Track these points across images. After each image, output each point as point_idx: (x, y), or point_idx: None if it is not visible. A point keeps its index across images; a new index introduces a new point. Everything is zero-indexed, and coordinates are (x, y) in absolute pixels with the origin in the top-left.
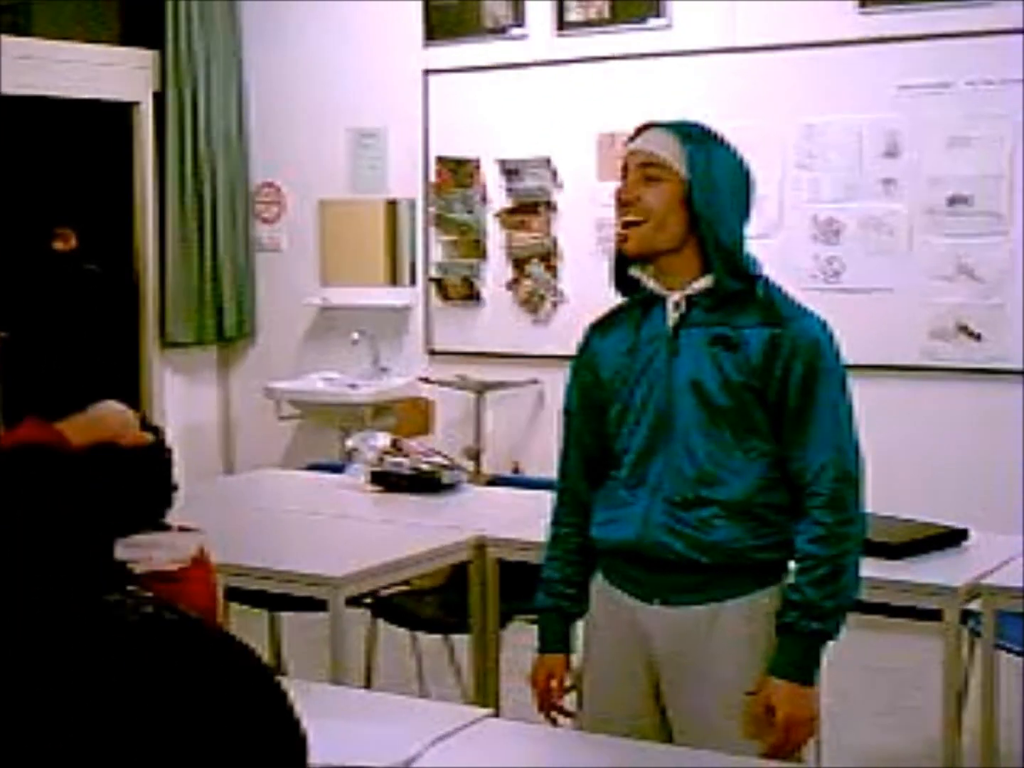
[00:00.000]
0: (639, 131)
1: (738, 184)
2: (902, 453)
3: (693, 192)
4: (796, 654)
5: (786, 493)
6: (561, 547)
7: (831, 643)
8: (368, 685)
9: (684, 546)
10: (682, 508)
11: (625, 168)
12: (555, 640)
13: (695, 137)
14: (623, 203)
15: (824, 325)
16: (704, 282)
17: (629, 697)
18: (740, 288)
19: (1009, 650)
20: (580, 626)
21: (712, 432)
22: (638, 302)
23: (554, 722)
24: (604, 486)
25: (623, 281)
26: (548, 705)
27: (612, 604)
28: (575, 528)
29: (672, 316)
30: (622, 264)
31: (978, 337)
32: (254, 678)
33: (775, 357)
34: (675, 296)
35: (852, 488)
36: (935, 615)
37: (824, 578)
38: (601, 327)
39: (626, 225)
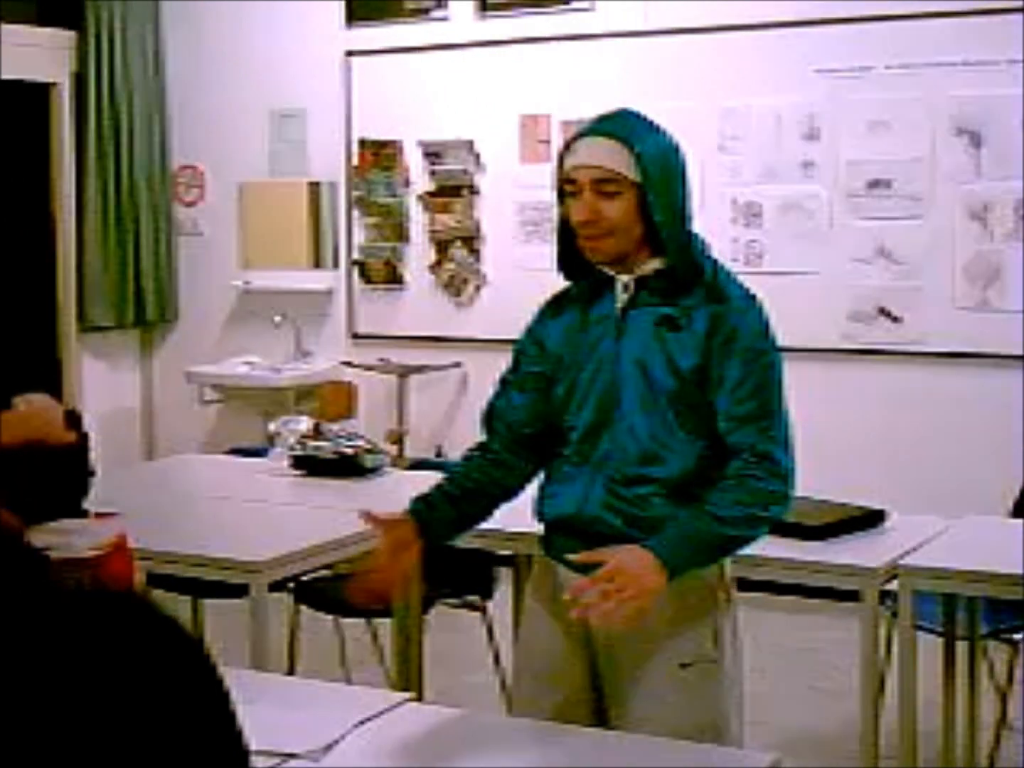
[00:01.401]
0: (576, 138)
1: (681, 171)
2: (822, 435)
3: (649, 197)
4: (671, 536)
5: (723, 470)
6: (462, 465)
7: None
8: (291, 671)
9: (622, 522)
10: (622, 485)
11: (570, 181)
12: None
13: (639, 138)
14: (584, 223)
15: (763, 308)
16: (653, 264)
17: (564, 669)
18: (690, 271)
19: (927, 630)
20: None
21: (655, 412)
22: (589, 284)
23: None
24: (551, 462)
25: (569, 264)
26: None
27: (552, 577)
28: (490, 451)
29: (621, 298)
30: (567, 247)
31: (898, 319)
32: (182, 645)
33: (716, 332)
34: (624, 278)
35: (786, 453)
36: (854, 596)
37: (732, 495)
38: (555, 305)
39: (590, 237)
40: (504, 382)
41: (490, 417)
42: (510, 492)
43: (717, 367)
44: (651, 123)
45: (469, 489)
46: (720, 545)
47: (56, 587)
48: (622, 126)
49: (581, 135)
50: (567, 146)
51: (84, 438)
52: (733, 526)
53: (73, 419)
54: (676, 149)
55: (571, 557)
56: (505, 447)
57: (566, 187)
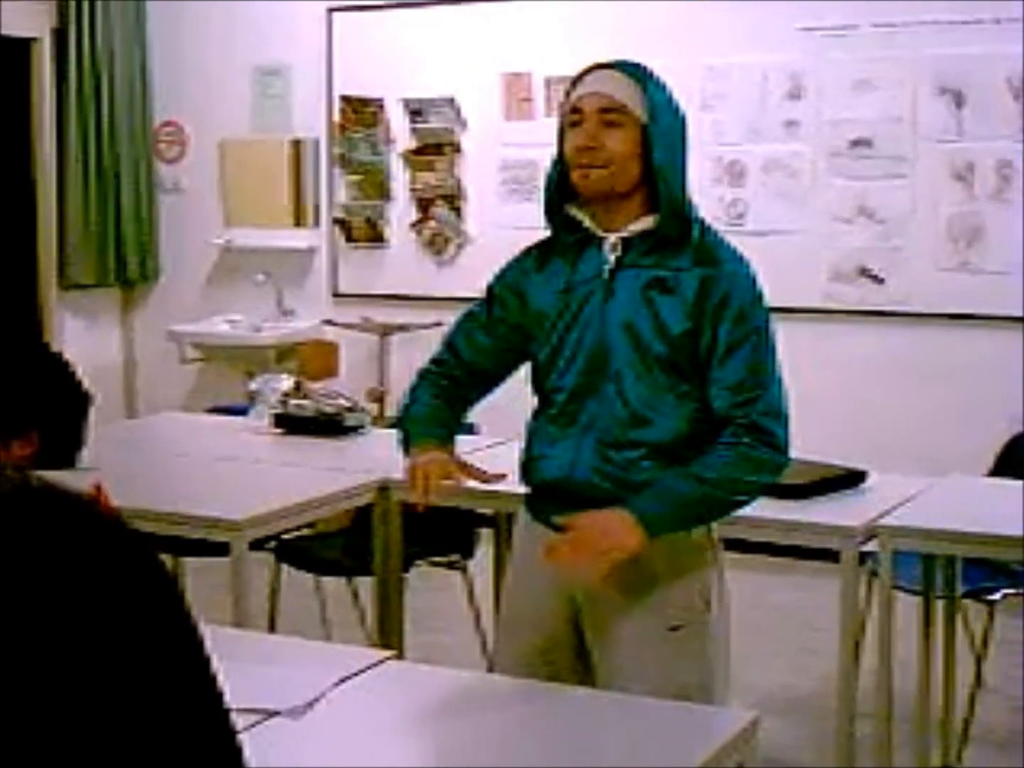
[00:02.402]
0: (585, 72)
1: (684, 127)
2: (803, 395)
3: (652, 138)
4: (653, 496)
5: (713, 436)
6: (429, 384)
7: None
8: (272, 629)
9: (611, 486)
10: (612, 448)
11: (576, 111)
12: (426, 434)
13: (651, 79)
14: (583, 148)
15: (754, 271)
16: (642, 224)
17: (548, 631)
18: (679, 232)
19: (906, 590)
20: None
21: (644, 375)
22: (574, 241)
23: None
24: (534, 422)
25: (555, 219)
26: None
27: (538, 540)
28: (447, 378)
29: (609, 258)
30: (554, 198)
31: (879, 280)
32: (134, 546)
33: (707, 296)
34: (612, 238)
35: (779, 423)
36: (833, 556)
37: (717, 460)
38: (537, 255)
39: (586, 166)
40: (471, 318)
41: (448, 350)
42: (460, 416)
43: (708, 332)
44: (660, 77)
45: (447, 402)
46: (703, 507)
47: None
48: (635, 66)
49: (592, 68)
50: (575, 80)
51: (84, 393)
52: (717, 487)
53: (69, 371)
54: (680, 107)
55: (557, 520)
56: (455, 378)
57: (570, 117)
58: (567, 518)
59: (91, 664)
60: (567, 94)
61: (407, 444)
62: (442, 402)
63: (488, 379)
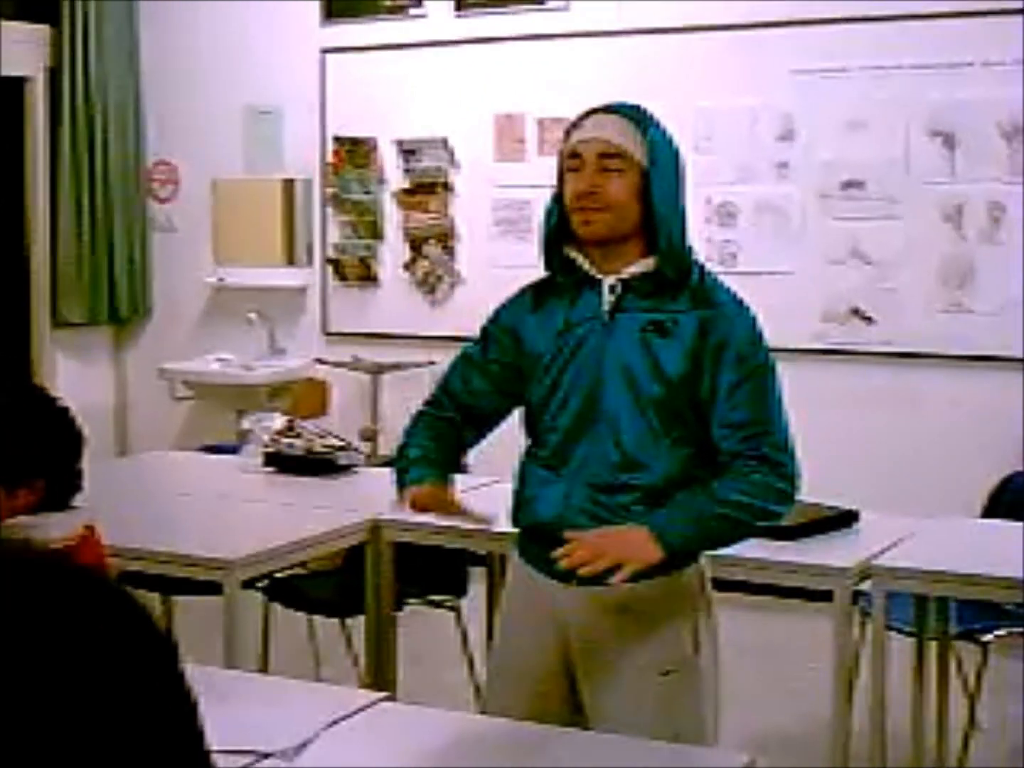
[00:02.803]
0: (585, 116)
1: (682, 170)
2: (795, 435)
3: (652, 182)
4: (669, 513)
5: (707, 479)
6: (424, 426)
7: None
8: (264, 669)
9: None
10: (603, 492)
11: (576, 156)
12: (421, 476)
13: (651, 123)
14: (583, 194)
15: (754, 313)
16: (641, 266)
17: (539, 675)
18: (678, 275)
19: (899, 630)
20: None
21: (639, 418)
22: (571, 283)
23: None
24: (526, 463)
25: (552, 260)
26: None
27: (529, 582)
28: (443, 420)
29: (607, 300)
30: (551, 243)
31: (870, 320)
32: (125, 609)
33: (706, 339)
34: (611, 280)
35: (787, 456)
36: (826, 596)
37: (733, 481)
38: (533, 297)
39: (587, 209)
40: (466, 359)
41: (443, 391)
42: (459, 458)
43: (709, 375)
44: (656, 118)
45: (444, 443)
46: (719, 527)
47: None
48: (634, 109)
49: (591, 112)
50: (575, 123)
51: (79, 434)
52: (735, 509)
53: (63, 410)
54: (677, 148)
55: (556, 553)
56: (450, 419)
57: (568, 163)
58: (577, 532)
59: (88, 739)
60: (566, 136)
61: (402, 484)
62: (438, 443)
63: (484, 421)
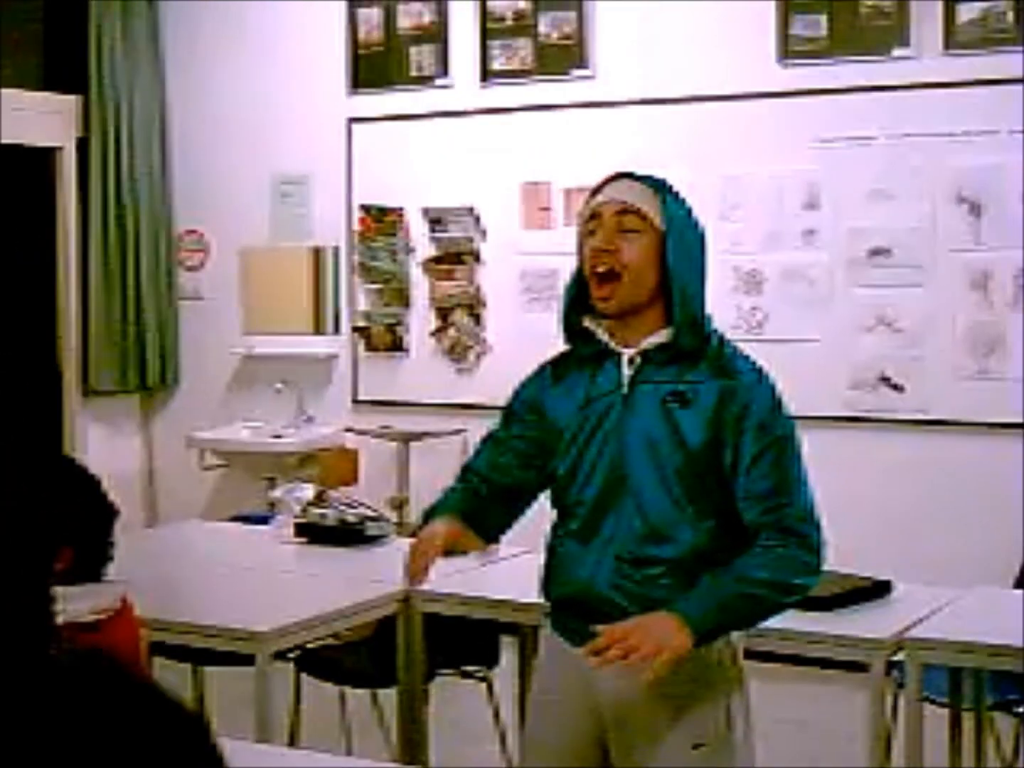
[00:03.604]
0: (606, 182)
1: (701, 239)
2: (825, 504)
3: (668, 246)
4: (696, 597)
5: (733, 551)
6: (450, 492)
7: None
8: (293, 741)
9: (629, 603)
10: (630, 565)
11: (594, 217)
12: (444, 510)
13: (668, 191)
14: (599, 252)
15: (773, 380)
16: (659, 337)
17: (573, 745)
18: (696, 345)
19: (934, 702)
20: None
21: (662, 490)
22: (591, 355)
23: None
24: (554, 536)
25: (572, 331)
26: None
27: (561, 654)
28: (481, 480)
29: (627, 372)
30: (571, 314)
31: (899, 388)
32: (184, 723)
33: (726, 408)
34: (630, 352)
35: (812, 526)
36: (860, 667)
37: (757, 559)
38: (553, 371)
39: (603, 279)
40: (490, 439)
41: (469, 470)
42: (490, 530)
43: (731, 445)
44: (678, 191)
45: (469, 503)
46: (747, 607)
47: (58, 663)
48: (654, 178)
49: (611, 179)
50: (595, 189)
51: (111, 507)
52: (760, 587)
53: (95, 484)
54: (698, 221)
55: (584, 650)
56: (479, 494)
57: (587, 225)
58: (609, 627)
59: None
60: (587, 202)
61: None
62: (463, 501)
63: (512, 496)
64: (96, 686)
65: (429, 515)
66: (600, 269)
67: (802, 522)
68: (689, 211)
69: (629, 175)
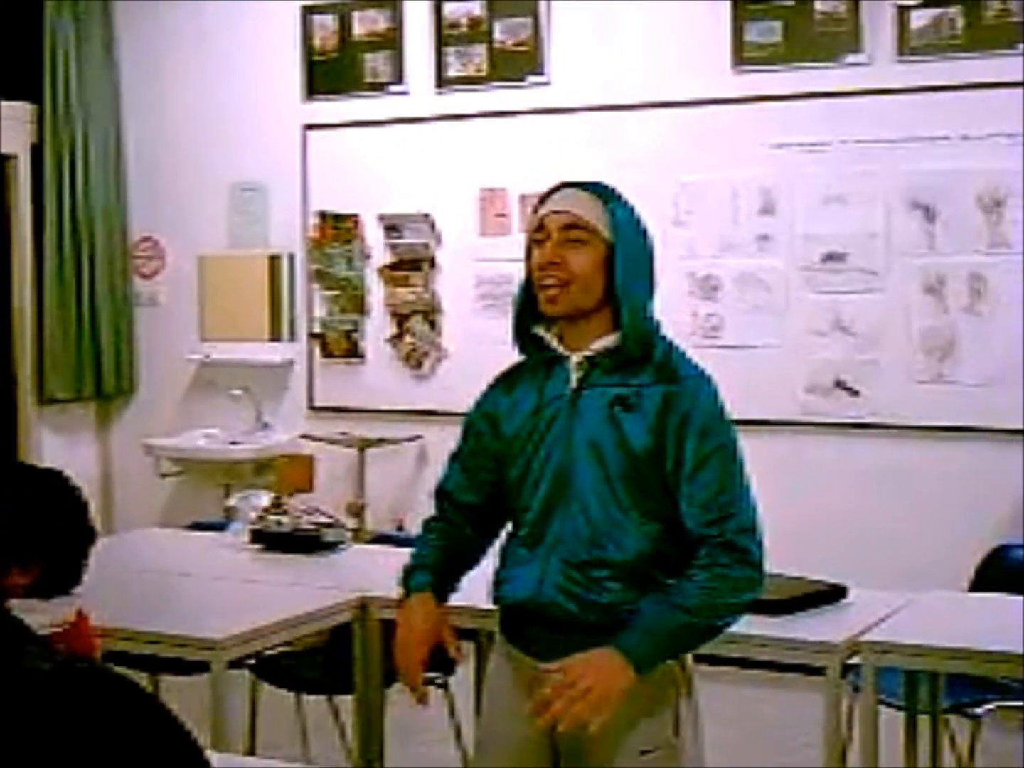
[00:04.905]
0: (552, 191)
1: (648, 246)
2: (780, 508)
3: (616, 255)
4: (635, 630)
5: (679, 554)
6: (429, 532)
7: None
8: (251, 749)
9: (577, 607)
10: (576, 569)
11: (541, 228)
12: (421, 585)
13: (615, 199)
14: (545, 265)
15: (715, 386)
16: (606, 342)
17: (524, 753)
18: (642, 350)
19: (889, 705)
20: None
21: (608, 493)
22: (541, 361)
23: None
24: (506, 543)
25: (523, 338)
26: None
27: (511, 661)
28: (450, 524)
29: (573, 377)
30: (521, 321)
31: (855, 392)
32: (165, 722)
33: (669, 413)
34: (576, 357)
35: (752, 539)
36: (816, 670)
37: (695, 586)
38: (506, 381)
39: (550, 286)
40: (453, 458)
41: (439, 494)
42: (474, 557)
43: (673, 450)
44: (622, 195)
45: (453, 552)
46: (688, 635)
47: (38, 665)
48: (600, 186)
49: (557, 188)
50: (541, 199)
51: (92, 530)
52: (698, 615)
53: (79, 502)
54: (647, 229)
55: (529, 708)
56: (458, 522)
57: (534, 235)
58: (554, 665)
59: None
60: (534, 211)
61: (405, 588)
62: (444, 549)
63: (484, 514)
64: (81, 691)
65: (408, 574)
66: (548, 282)
67: (743, 534)
68: (636, 218)
69: (576, 184)
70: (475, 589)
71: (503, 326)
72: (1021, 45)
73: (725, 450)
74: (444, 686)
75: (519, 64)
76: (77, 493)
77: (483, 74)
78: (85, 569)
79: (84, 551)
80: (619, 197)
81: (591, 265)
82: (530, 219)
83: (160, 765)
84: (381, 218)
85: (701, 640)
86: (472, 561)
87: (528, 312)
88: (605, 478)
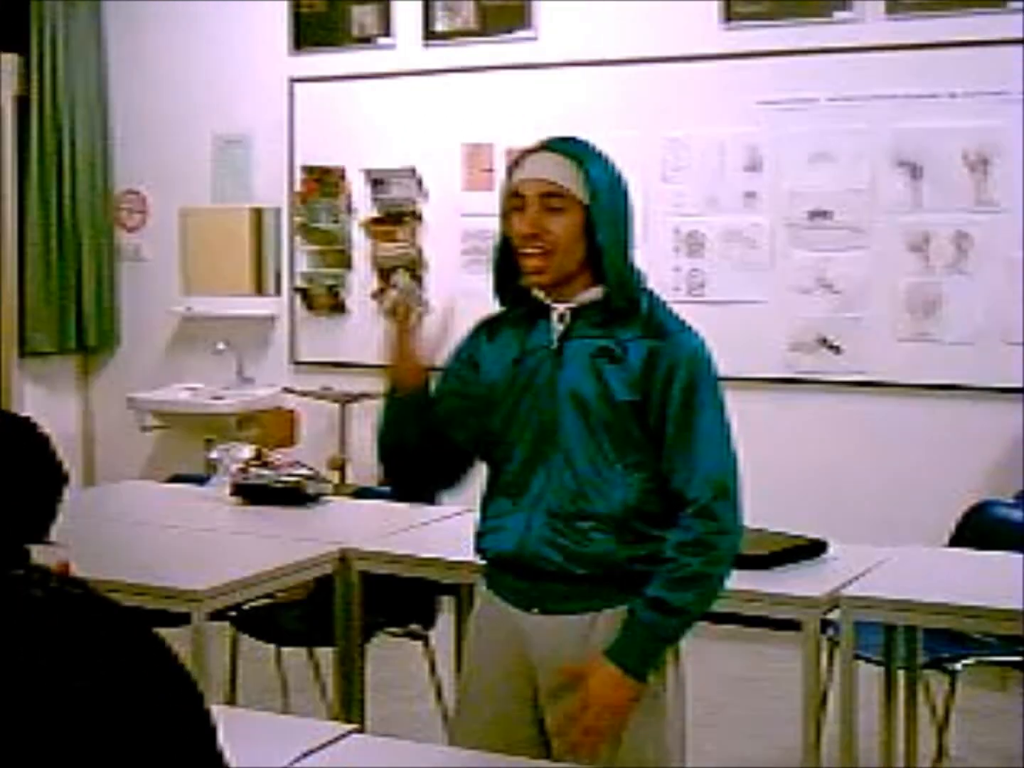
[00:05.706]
0: (526, 154)
1: (626, 201)
2: (763, 464)
3: (595, 219)
4: (634, 643)
5: (663, 506)
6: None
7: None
8: (231, 700)
9: (562, 558)
10: (562, 520)
11: (517, 195)
12: None
13: (590, 159)
14: (527, 235)
15: (703, 341)
16: (591, 294)
17: (507, 704)
18: (627, 304)
19: (867, 659)
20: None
21: (592, 445)
22: (524, 313)
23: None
24: (487, 493)
25: (505, 290)
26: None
27: (494, 611)
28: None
29: (557, 328)
30: (503, 273)
31: (838, 350)
32: (156, 646)
33: (654, 369)
34: (560, 308)
35: (729, 502)
36: (795, 625)
37: (682, 581)
38: (489, 327)
39: (533, 255)
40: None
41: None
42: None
43: (657, 404)
44: (601, 151)
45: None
46: (679, 626)
47: (31, 591)
48: (574, 146)
49: (531, 151)
50: (516, 162)
51: (61, 470)
52: (686, 608)
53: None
54: (623, 180)
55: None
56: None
57: (511, 202)
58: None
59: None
60: (509, 174)
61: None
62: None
63: (452, 450)
64: (74, 616)
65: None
66: (530, 251)
67: (719, 499)
68: (612, 173)
69: (550, 146)
70: (454, 541)
71: (488, 281)
72: (1009, 3)
73: (708, 407)
74: (424, 639)
75: (507, 19)
76: (41, 436)
77: (470, 28)
78: (58, 511)
79: (57, 490)
80: (595, 154)
81: (572, 230)
82: (505, 184)
83: (153, 689)
84: (367, 172)
85: (689, 623)
86: (435, 433)
87: (509, 266)
88: (589, 430)
